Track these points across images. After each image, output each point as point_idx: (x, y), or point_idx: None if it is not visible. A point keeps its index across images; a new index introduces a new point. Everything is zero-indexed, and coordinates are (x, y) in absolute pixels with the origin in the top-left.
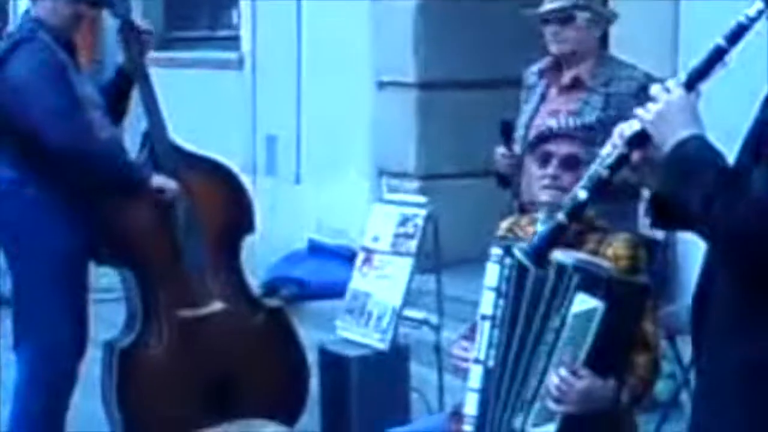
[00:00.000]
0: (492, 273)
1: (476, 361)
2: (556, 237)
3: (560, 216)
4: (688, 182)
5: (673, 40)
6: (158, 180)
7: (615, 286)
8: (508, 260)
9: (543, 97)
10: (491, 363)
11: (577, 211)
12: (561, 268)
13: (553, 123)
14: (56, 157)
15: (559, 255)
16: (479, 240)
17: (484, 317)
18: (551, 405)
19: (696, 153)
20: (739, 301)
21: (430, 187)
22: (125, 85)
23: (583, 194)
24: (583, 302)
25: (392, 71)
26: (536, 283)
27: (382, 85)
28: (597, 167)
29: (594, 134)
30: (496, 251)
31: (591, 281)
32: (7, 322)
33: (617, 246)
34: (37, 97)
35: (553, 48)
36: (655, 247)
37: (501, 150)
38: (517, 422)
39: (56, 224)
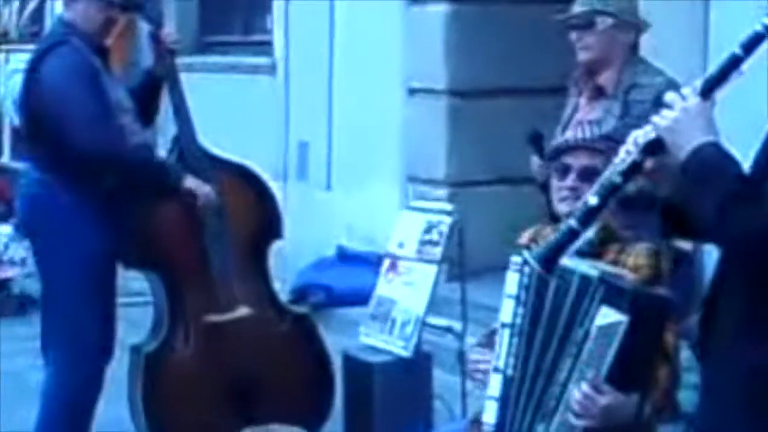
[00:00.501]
0: (512, 281)
1: (495, 369)
2: (567, 242)
3: (572, 221)
4: (702, 190)
5: (703, 47)
6: (191, 182)
7: (639, 299)
8: (527, 268)
9: (576, 106)
10: (510, 371)
11: (588, 216)
12: (585, 280)
13: (569, 135)
14: (88, 162)
15: (582, 266)
16: (508, 248)
17: (503, 325)
18: (572, 420)
19: (711, 160)
20: (748, 307)
21: (459, 194)
22: (154, 88)
23: (594, 200)
24: (607, 315)
25: (423, 78)
26: (558, 292)
27: (412, 91)
28: (610, 173)
29: (614, 143)
30: (515, 259)
31: (615, 294)
32: (36, 324)
33: (637, 255)
34: (68, 102)
35: (579, 55)
36: (684, 258)
37: (537, 161)
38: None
39: (85, 227)
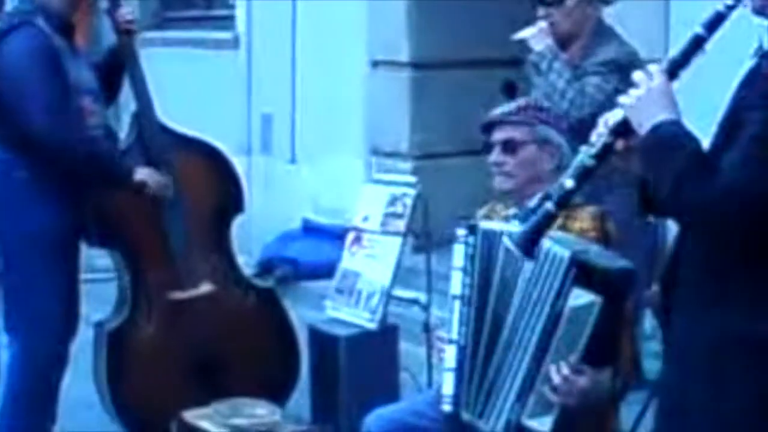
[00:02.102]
0: (458, 253)
1: (450, 341)
2: (545, 225)
3: (549, 205)
4: (660, 164)
5: (665, 21)
6: (142, 174)
7: (610, 278)
8: (471, 239)
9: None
10: (463, 341)
11: (565, 199)
12: (554, 259)
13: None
14: (42, 147)
15: (549, 243)
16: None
17: (454, 297)
18: (552, 397)
19: (670, 136)
20: (707, 277)
21: (423, 167)
22: (117, 66)
23: (570, 183)
24: (579, 296)
25: (386, 50)
26: (506, 263)
27: (375, 64)
28: (583, 156)
29: (534, 111)
30: (461, 232)
31: (587, 275)
32: None
33: (582, 219)
34: (26, 85)
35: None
36: (647, 225)
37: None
38: (513, 410)
39: (47, 206)
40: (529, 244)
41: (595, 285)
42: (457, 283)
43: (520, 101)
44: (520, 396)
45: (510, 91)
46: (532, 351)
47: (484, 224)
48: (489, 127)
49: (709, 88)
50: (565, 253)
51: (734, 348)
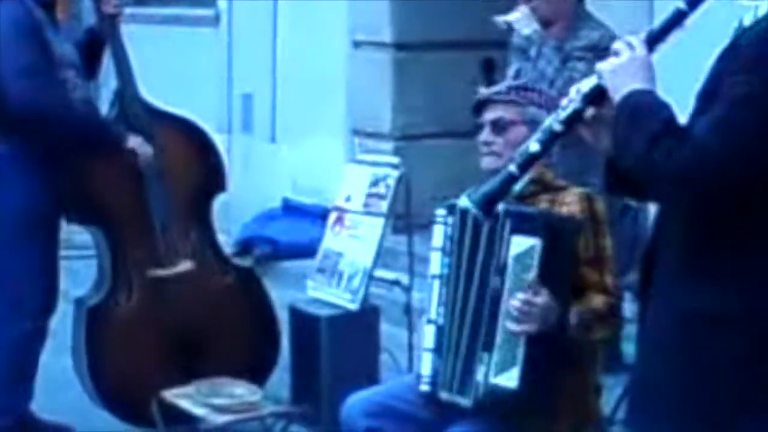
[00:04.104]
0: (438, 233)
1: (428, 321)
2: (506, 187)
3: (511, 167)
4: (634, 127)
5: (649, 2)
6: (133, 142)
7: (546, 220)
8: (450, 219)
9: (518, 72)
10: (441, 321)
11: (528, 162)
12: (493, 216)
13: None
14: (28, 117)
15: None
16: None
17: (433, 277)
18: (514, 327)
19: (643, 103)
20: (682, 254)
21: (405, 148)
22: (97, 45)
23: (535, 146)
24: (520, 244)
25: (368, 30)
26: (473, 235)
27: (357, 44)
28: (551, 121)
29: (525, 92)
30: (440, 212)
31: (523, 222)
32: None
33: (570, 202)
34: (9, 57)
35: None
36: (627, 211)
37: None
38: (480, 375)
39: (26, 181)
40: (488, 205)
41: (532, 230)
42: (436, 263)
43: (513, 82)
44: (483, 357)
45: (488, 68)
46: (488, 308)
47: (462, 202)
48: (480, 106)
49: (689, 68)
50: (499, 207)
51: (703, 323)
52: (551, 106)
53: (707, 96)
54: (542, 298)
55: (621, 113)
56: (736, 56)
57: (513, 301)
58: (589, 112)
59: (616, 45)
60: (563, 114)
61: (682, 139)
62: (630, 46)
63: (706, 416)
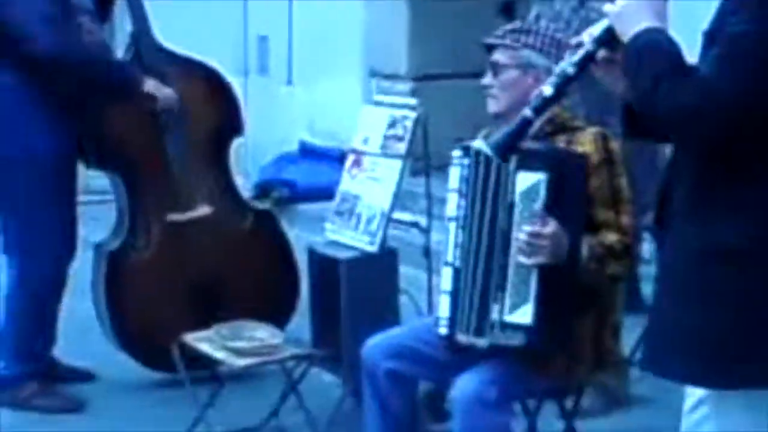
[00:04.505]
0: (454, 175)
1: (446, 263)
2: (521, 131)
3: (526, 111)
4: (641, 67)
5: None
6: (151, 85)
7: (551, 155)
8: (466, 161)
9: (537, 15)
10: (458, 263)
11: (543, 106)
12: (486, 155)
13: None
14: (46, 62)
15: (482, 144)
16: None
17: (449, 219)
18: (525, 260)
19: (653, 41)
20: (694, 190)
21: (423, 89)
22: None
23: (548, 90)
24: (526, 179)
25: None
26: (485, 176)
27: None
28: (565, 64)
29: (520, 35)
30: (456, 153)
31: (527, 158)
32: None
33: (585, 142)
34: (26, 4)
35: None
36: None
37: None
38: (494, 314)
39: (44, 126)
40: (506, 149)
41: (537, 166)
42: (452, 206)
43: (512, 25)
44: (497, 296)
45: (508, 11)
46: (499, 247)
47: (478, 144)
48: (489, 49)
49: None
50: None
51: (717, 258)
52: (549, 48)
53: (712, 35)
54: (550, 228)
55: (629, 54)
56: None
57: (521, 235)
58: (601, 53)
59: None
60: (575, 57)
61: (687, 77)
62: None
63: (723, 352)
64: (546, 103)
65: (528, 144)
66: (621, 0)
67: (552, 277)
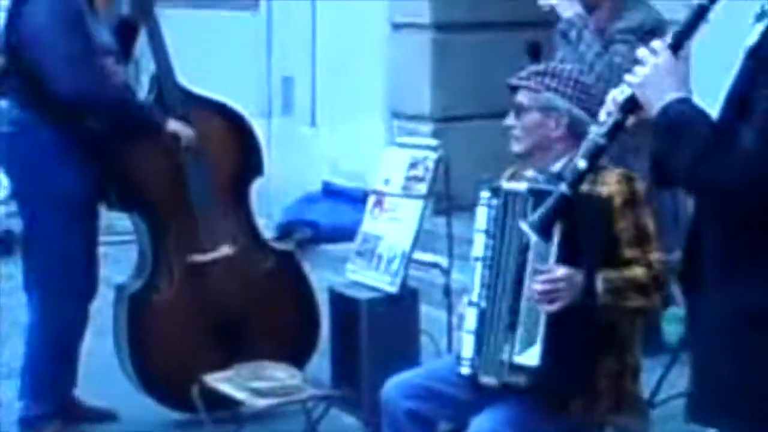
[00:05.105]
0: (481, 215)
1: (470, 303)
2: (560, 208)
3: (563, 187)
4: (675, 146)
5: None
6: (174, 125)
7: (569, 199)
8: (494, 202)
9: (563, 57)
10: (483, 304)
11: (579, 180)
12: (515, 196)
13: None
14: (70, 103)
15: (513, 185)
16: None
17: (476, 259)
18: (538, 307)
19: (681, 116)
20: (729, 253)
21: (445, 129)
22: (131, 29)
23: (582, 164)
24: None
25: (407, 12)
26: (512, 218)
27: (397, 26)
28: (594, 136)
29: (545, 78)
30: (484, 194)
31: (544, 199)
32: (19, 262)
33: (610, 182)
34: (53, 43)
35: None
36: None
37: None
38: (505, 354)
39: (68, 167)
40: (546, 227)
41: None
42: (479, 246)
43: (536, 67)
44: (507, 336)
45: (535, 52)
46: (512, 285)
47: (507, 185)
48: (513, 89)
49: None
50: (522, 186)
51: (759, 320)
52: (573, 92)
53: (740, 98)
54: (562, 271)
55: (659, 129)
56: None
57: (535, 285)
58: (630, 121)
59: (640, 53)
60: (604, 127)
61: (727, 154)
62: (653, 52)
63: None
64: (581, 176)
65: (544, 185)
66: (642, 68)
67: (563, 318)
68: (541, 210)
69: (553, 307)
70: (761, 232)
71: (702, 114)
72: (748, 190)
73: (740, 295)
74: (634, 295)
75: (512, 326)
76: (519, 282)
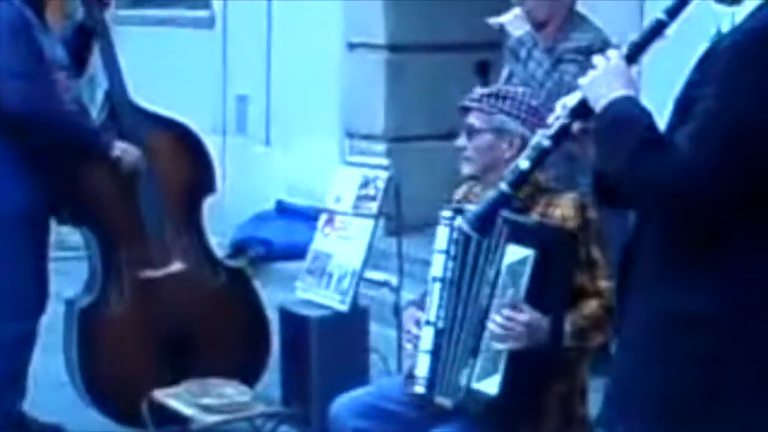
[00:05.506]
0: (442, 236)
1: (427, 322)
2: (499, 205)
3: (503, 185)
4: (614, 139)
5: (639, 3)
6: (120, 148)
7: (543, 233)
8: (456, 223)
9: (510, 74)
10: (441, 324)
11: (519, 180)
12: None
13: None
14: (17, 120)
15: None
16: (444, 203)
17: (434, 279)
18: (497, 345)
19: (623, 111)
20: (659, 257)
21: (398, 149)
22: (85, 41)
23: (525, 164)
24: (515, 253)
25: (362, 32)
26: (477, 242)
27: (352, 46)
28: (539, 137)
29: (496, 100)
30: (446, 214)
31: (519, 231)
32: None
33: (564, 206)
34: (1, 58)
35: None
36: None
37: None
38: (463, 378)
39: (17, 183)
40: (483, 223)
41: (528, 240)
42: (438, 266)
43: (488, 89)
44: (468, 361)
45: (483, 71)
46: (478, 313)
47: (471, 207)
48: (465, 111)
49: (667, 73)
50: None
51: (676, 324)
52: (525, 114)
53: (685, 104)
54: (525, 316)
55: (601, 124)
56: (712, 64)
57: (496, 317)
58: (576, 126)
59: (595, 59)
60: (551, 130)
61: (661, 151)
62: (607, 58)
63: (678, 417)
64: (522, 176)
65: (521, 217)
66: (592, 72)
67: (526, 355)
68: (479, 206)
69: (503, 346)
70: (693, 233)
71: (645, 112)
72: (680, 189)
73: (670, 298)
74: (594, 332)
75: (474, 352)
76: (486, 310)
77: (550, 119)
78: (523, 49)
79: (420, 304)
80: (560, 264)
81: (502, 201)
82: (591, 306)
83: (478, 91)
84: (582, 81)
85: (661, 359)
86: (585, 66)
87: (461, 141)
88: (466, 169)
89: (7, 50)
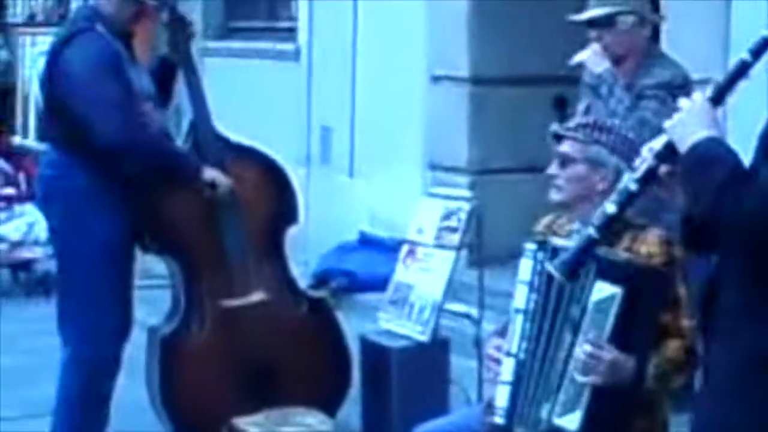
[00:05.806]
0: (525, 267)
1: (508, 354)
2: (587, 251)
3: (591, 230)
4: (700, 178)
5: (724, 39)
6: (210, 173)
7: (632, 272)
8: (540, 255)
9: (588, 107)
10: (522, 356)
11: (607, 225)
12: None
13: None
14: (109, 149)
15: (561, 241)
16: (527, 235)
17: (517, 311)
18: (579, 378)
19: (709, 151)
20: (746, 295)
21: (480, 181)
22: (169, 73)
23: (611, 208)
24: (602, 290)
25: (446, 65)
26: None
27: (435, 79)
28: (626, 181)
29: (592, 130)
30: (530, 246)
31: (608, 269)
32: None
33: (650, 244)
34: (90, 88)
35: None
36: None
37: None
38: (544, 412)
39: (103, 211)
40: (572, 269)
41: (616, 278)
42: (521, 297)
43: (584, 119)
44: (550, 395)
45: (560, 105)
46: (561, 349)
47: (556, 240)
48: (558, 138)
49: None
50: (570, 243)
51: (762, 365)
52: (621, 147)
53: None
54: (609, 355)
55: (687, 163)
56: None
57: (583, 347)
58: (663, 169)
59: (680, 102)
60: (637, 173)
61: (748, 185)
62: (692, 100)
63: None
64: (610, 221)
65: (611, 254)
66: (677, 114)
67: (608, 392)
68: (568, 252)
69: (585, 379)
70: None
71: (731, 152)
72: (764, 225)
73: (755, 337)
74: (677, 376)
75: (556, 387)
76: (570, 347)
77: (637, 162)
78: (604, 86)
79: (502, 334)
80: (648, 303)
81: (589, 247)
82: (674, 348)
83: (576, 119)
84: (667, 124)
85: (752, 402)
86: (665, 102)
87: (553, 169)
88: (556, 197)
89: (100, 83)
